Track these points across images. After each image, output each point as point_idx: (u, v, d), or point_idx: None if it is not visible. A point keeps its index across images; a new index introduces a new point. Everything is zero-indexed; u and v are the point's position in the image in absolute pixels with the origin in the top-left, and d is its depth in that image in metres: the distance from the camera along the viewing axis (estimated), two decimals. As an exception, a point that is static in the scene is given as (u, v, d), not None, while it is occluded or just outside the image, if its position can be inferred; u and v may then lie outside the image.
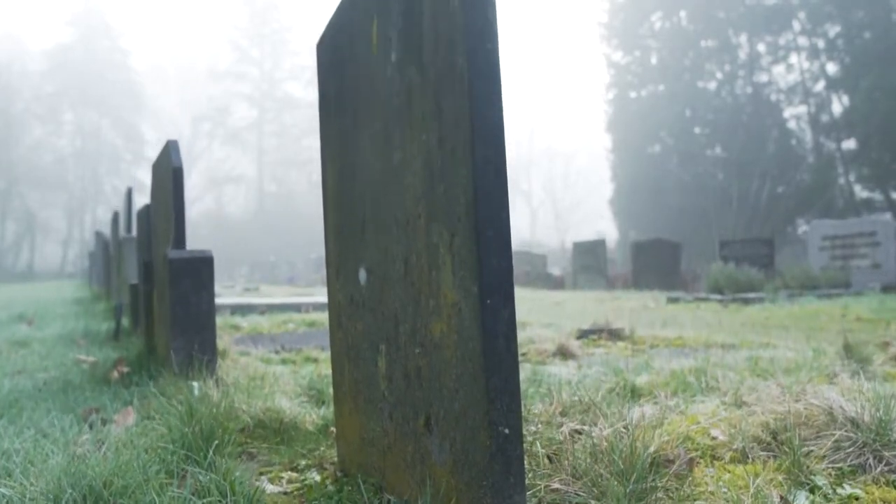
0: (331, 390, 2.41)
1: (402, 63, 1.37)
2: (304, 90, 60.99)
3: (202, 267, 2.59)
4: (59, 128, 57.71)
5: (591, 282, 17.78)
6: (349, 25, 1.65)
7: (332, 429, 2.07)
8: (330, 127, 1.81)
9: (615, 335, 4.81)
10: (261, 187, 63.34)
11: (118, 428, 2.13)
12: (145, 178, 57.51)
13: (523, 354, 4.01)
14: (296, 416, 2.17)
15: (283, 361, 3.90)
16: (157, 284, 3.33)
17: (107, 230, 14.78)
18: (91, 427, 2.00)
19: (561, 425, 1.85)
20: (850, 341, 2.79)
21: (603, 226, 49.44)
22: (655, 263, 16.38)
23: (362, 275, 1.59)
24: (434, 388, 1.28)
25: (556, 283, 18.94)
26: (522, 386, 2.94)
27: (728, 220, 28.92)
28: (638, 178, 33.11)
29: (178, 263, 2.55)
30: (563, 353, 3.98)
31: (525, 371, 3.34)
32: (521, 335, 4.86)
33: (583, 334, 4.84)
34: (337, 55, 1.74)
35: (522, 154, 63.32)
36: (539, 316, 7.64)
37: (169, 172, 2.78)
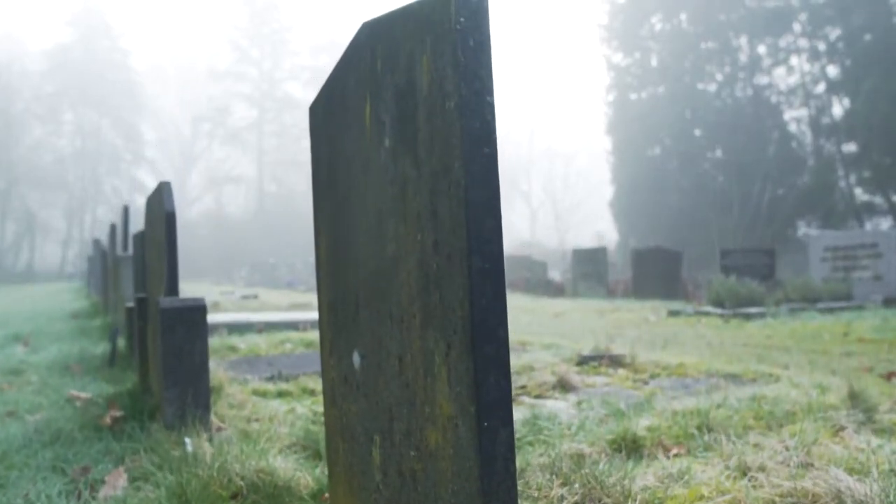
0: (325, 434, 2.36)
1: (395, 152, 1.31)
2: (304, 90, 60.89)
3: (195, 316, 2.54)
4: (59, 128, 57.58)
5: (592, 289, 17.71)
6: (342, 96, 1.60)
7: (326, 495, 2.03)
8: (322, 196, 1.76)
9: (616, 361, 4.76)
10: (261, 187, 63.20)
11: (108, 491, 2.08)
12: (145, 178, 57.47)
13: (523, 387, 3.96)
14: (290, 479, 2.12)
15: (280, 394, 3.85)
16: (151, 321, 3.28)
17: (106, 232, 14.70)
18: (80, 496, 1.95)
19: (562, 500, 1.80)
20: (856, 387, 2.74)
21: (603, 226, 49.43)
22: (655, 271, 16.31)
23: (356, 358, 1.54)
24: (430, 496, 1.23)
25: (557, 290, 18.88)
26: (521, 431, 2.89)
27: (729, 222, 28.86)
28: (638, 180, 33.03)
29: (171, 313, 2.50)
30: (563, 386, 3.93)
31: (524, 410, 3.29)
32: (521, 360, 4.81)
33: (583, 360, 4.80)
34: (330, 125, 1.69)
35: (522, 155, 63.23)
36: (539, 332, 7.59)
37: (162, 216, 2.72)
